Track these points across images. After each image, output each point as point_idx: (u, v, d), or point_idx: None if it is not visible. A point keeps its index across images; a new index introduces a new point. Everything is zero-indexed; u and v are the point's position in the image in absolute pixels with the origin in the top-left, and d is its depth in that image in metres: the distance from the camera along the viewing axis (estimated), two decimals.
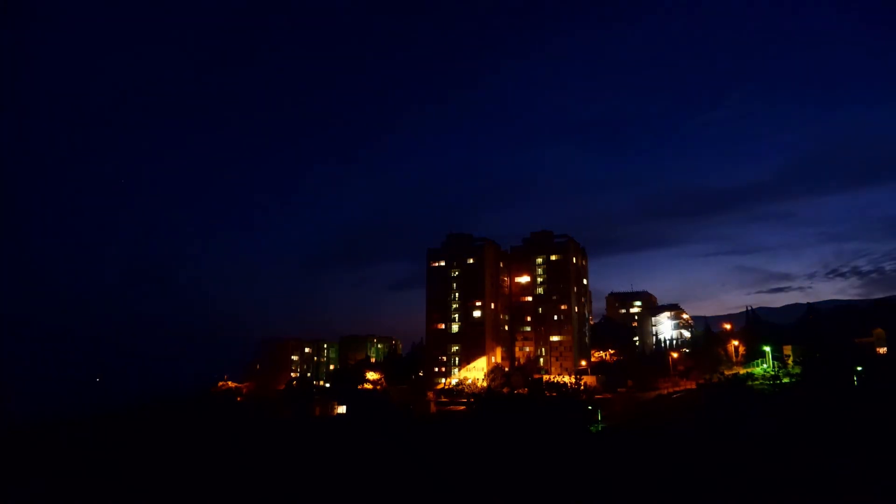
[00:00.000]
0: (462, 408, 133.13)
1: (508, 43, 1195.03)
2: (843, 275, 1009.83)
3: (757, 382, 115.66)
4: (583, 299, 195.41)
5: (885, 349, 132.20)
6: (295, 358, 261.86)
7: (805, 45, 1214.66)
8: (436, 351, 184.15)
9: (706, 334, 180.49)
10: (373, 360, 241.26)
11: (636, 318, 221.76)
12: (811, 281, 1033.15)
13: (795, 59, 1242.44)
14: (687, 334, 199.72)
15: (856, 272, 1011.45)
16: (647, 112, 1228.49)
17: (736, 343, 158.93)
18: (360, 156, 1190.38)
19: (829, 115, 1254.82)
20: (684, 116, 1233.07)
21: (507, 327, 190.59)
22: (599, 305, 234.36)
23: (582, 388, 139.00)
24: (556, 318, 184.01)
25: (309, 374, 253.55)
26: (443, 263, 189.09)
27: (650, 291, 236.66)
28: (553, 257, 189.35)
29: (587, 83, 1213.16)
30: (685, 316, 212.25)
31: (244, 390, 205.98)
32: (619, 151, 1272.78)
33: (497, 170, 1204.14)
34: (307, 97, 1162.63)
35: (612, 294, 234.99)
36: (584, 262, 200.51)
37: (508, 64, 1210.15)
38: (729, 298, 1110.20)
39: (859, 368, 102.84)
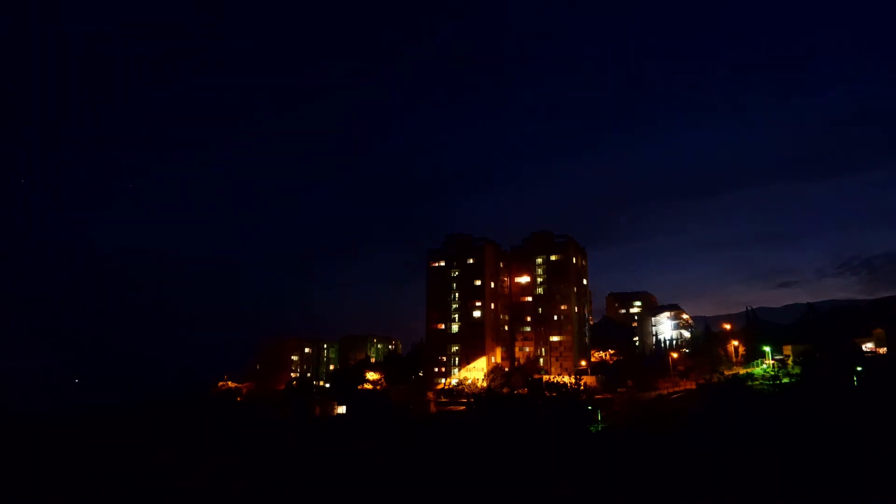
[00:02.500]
0: (462, 408, 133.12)
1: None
2: (853, 269, 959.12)
3: (757, 382, 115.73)
4: (583, 299, 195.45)
5: (885, 349, 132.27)
6: (295, 358, 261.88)
7: (811, 17, 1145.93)
8: (436, 351, 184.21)
9: (706, 334, 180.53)
10: (373, 360, 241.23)
11: (636, 318, 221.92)
12: (819, 276, 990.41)
13: (802, 29, 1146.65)
14: (687, 334, 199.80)
15: (867, 265, 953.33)
16: (641, 85, 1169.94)
17: (736, 343, 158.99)
18: (351, 149, 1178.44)
19: (843, 84, 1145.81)
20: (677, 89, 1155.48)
21: (507, 327, 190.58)
22: (599, 305, 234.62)
23: (582, 388, 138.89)
24: (556, 318, 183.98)
25: (309, 374, 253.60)
26: (443, 263, 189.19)
27: (648, 288, 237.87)
28: (553, 257, 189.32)
29: (579, 61, 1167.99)
30: (685, 316, 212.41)
31: (244, 390, 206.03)
32: (609, 130, 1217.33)
33: (478, 151, 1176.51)
34: (301, 92, 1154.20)
35: (611, 294, 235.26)
36: (584, 262, 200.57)
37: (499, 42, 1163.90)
38: (730, 294, 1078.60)
39: (859, 368, 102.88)
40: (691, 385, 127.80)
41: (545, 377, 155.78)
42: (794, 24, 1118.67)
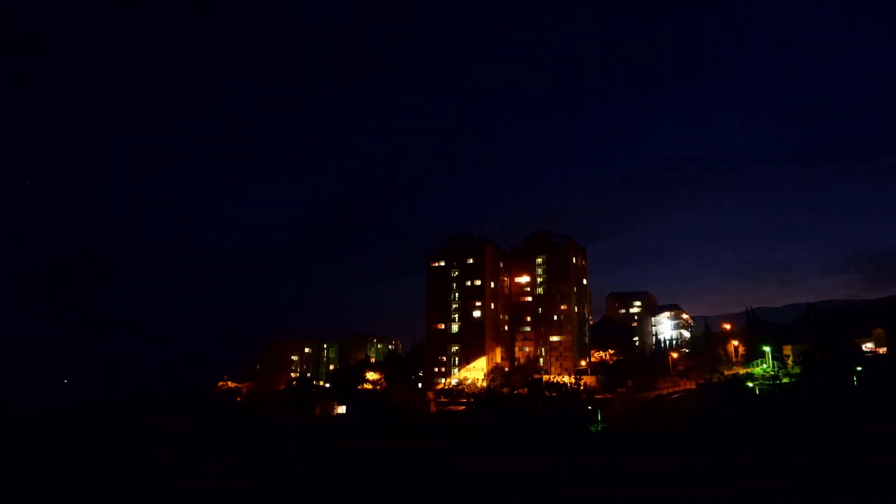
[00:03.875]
0: (462, 408, 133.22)
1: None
2: (858, 266, 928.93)
3: (757, 382, 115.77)
4: (583, 299, 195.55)
5: (885, 349, 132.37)
6: (295, 358, 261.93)
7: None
8: (436, 351, 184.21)
9: (706, 334, 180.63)
10: (373, 360, 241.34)
11: (636, 318, 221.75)
12: (824, 273, 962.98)
13: (807, 12, 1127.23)
14: (687, 334, 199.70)
15: (874, 262, 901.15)
16: (642, 78, 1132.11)
17: (736, 343, 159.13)
18: (352, 149, 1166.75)
19: (850, 68, 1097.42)
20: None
21: (507, 327, 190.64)
22: (599, 304, 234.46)
23: (582, 388, 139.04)
24: (556, 318, 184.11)
25: (309, 374, 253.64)
26: (443, 263, 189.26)
27: (648, 288, 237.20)
28: (553, 257, 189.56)
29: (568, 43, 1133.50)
30: (685, 316, 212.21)
31: (244, 390, 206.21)
32: (608, 127, 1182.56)
33: (479, 150, 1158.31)
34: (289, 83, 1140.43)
35: (611, 294, 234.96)
36: (583, 262, 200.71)
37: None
38: (730, 294, 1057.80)
39: (859, 368, 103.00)
40: (691, 385, 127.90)
41: (545, 377, 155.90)
42: (798, 10, 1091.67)
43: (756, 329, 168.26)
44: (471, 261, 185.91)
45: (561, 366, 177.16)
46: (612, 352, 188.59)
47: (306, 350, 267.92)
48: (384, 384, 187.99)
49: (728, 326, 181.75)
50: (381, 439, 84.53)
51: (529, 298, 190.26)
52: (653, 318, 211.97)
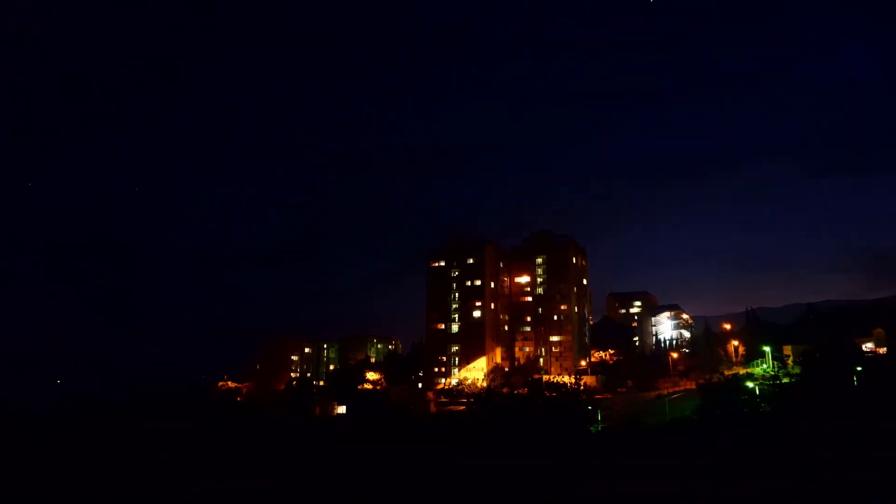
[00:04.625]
0: (462, 408, 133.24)
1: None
2: (861, 265, 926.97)
3: (757, 382, 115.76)
4: (583, 299, 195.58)
5: (885, 349, 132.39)
6: (295, 358, 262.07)
7: None
8: (436, 351, 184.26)
9: (706, 334, 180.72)
10: (373, 360, 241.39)
11: (636, 318, 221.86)
12: (829, 272, 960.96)
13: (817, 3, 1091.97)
14: (687, 334, 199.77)
15: (881, 260, 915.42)
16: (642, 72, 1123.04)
17: (736, 343, 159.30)
18: (352, 149, 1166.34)
19: (850, 60, 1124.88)
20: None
21: (507, 327, 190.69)
22: (599, 304, 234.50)
23: (582, 388, 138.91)
24: (556, 318, 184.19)
25: (309, 374, 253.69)
26: (443, 263, 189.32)
27: (648, 287, 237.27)
28: (553, 257, 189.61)
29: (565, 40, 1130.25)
30: (685, 316, 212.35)
31: (244, 390, 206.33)
32: (606, 124, 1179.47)
33: (479, 149, 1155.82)
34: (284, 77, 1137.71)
35: (611, 294, 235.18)
36: (584, 262, 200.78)
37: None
38: (730, 294, 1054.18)
39: (859, 368, 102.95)
40: (691, 385, 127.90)
41: (545, 377, 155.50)
42: (798, 9, 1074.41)
43: (756, 329, 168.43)
44: (471, 261, 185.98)
45: (561, 366, 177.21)
46: (612, 352, 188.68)
47: (306, 350, 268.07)
48: (384, 384, 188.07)
49: (728, 326, 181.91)
50: (381, 439, 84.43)
51: (529, 298, 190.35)
52: (653, 318, 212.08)
